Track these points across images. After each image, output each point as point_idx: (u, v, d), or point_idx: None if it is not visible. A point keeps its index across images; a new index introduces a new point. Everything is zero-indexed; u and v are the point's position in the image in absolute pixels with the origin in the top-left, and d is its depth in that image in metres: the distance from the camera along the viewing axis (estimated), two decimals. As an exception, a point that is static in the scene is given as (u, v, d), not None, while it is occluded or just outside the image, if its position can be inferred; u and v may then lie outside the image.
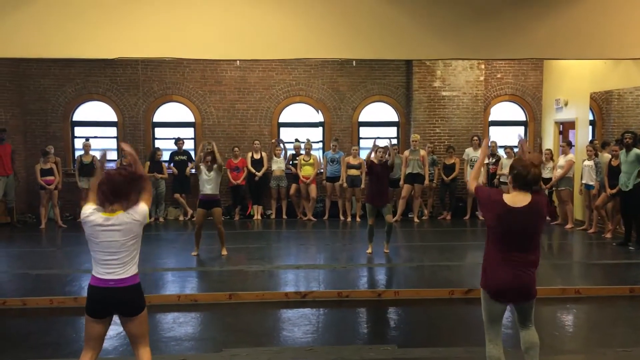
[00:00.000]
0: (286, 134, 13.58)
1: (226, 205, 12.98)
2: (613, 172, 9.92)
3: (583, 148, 11.28)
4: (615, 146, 10.00)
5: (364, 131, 13.73)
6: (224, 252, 8.96)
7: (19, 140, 12.77)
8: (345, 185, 12.49)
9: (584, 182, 10.98)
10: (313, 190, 12.59)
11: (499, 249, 3.97)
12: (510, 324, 5.54)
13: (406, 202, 12.46)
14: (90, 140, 12.58)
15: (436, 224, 12.33)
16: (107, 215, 3.70)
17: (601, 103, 12.27)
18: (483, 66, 13.25)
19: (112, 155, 13.28)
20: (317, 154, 13.31)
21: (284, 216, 12.84)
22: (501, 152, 12.59)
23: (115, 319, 3.89)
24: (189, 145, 13.23)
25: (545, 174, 11.51)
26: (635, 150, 9.31)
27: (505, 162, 12.04)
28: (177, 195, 12.57)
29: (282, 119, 13.63)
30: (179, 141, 12.78)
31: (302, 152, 12.81)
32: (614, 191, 9.90)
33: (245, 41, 7.75)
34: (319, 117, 13.66)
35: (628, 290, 7.04)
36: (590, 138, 11.90)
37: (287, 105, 13.59)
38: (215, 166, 8.66)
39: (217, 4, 7.67)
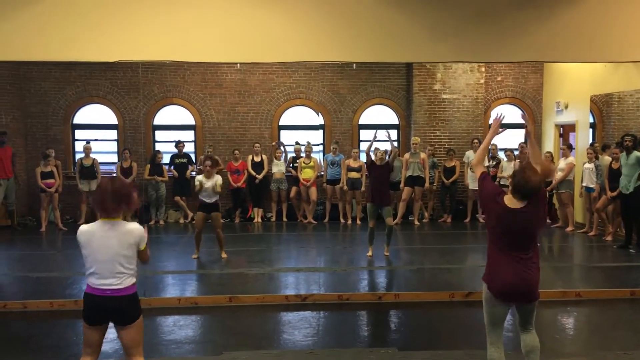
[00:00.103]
0: (286, 137, 13.59)
1: (226, 208, 12.99)
2: (613, 175, 9.92)
3: (583, 151, 11.28)
4: (616, 149, 10.00)
5: (364, 134, 13.73)
6: (224, 256, 8.96)
7: (20, 143, 12.78)
8: (345, 187, 12.49)
9: (584, 184, 10.98)
10: (313, 192, 12.59)
11: (500, 248, 3.99)
12: (511, 327, 5.53)
13: (406, 205, 12.46)
14: (91, 143, 12.59)
15: (437, 227, 12.33)
16: (104, 220, 3.74)
17: (601, 106, 12.27)
18: (483, 69, 13.26)
19: (113, 158, 13.30)
20: (318, 156, 13.31)
21: (284, 219, 12.84)
22: (501, 154, 12.58)
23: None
24: (189, 148, 13.24)
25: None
26: (636, 153, 9.31)
27: (506, 165, 12.05)
28: (177, 198, 12.57)
29: (282, 122, 13.64)
30: (179, 144, 12.79)
31: (303, 154, 12.81)
32: (614, 194, 9.89)
33: (245, 44, 7.77)
34: (319, 120, 13.67)
35: (629, 293, 7.03)
36: (590, 141, 11.90)
37: (288, 108, 13.60)
38: (214, 178, 8.67)
39: (217, 7, 7.68)
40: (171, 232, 11.84)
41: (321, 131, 13.75)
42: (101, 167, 12.45)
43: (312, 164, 12.70)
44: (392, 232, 9.05)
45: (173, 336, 5.70)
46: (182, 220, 12.75)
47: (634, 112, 11.52)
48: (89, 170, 12.13)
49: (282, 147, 12.92)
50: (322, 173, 12.89)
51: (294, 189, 12.78)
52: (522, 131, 13.90)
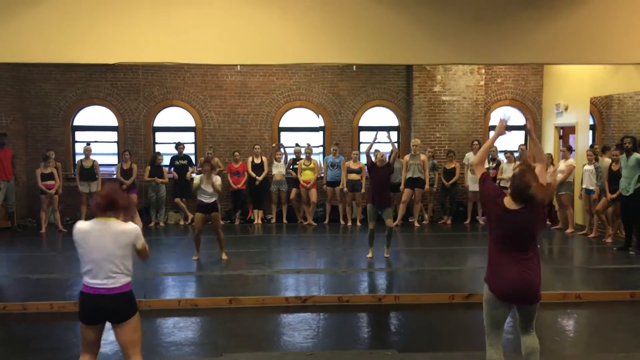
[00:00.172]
0: (286, 139, 13.59)
1: (227, 210, 12.99)
2: (613, 177, 9.92)
3: (583, 153, 11.28)
4: (616, 151, 10.00)
5: (364, 136, 13.74)
6: (224, 257, 8.96)
7: (20, 144, 12.79)
8: (345, 189, 12.49)
9: (584, 186, 10.98)
10: (313, 194, 12.59)
11: (501, 249, 4.00)
12: (511, 329, 5.53)
13: (407, 207, 12.46)
14: (91, 144, 12.58)
15: (436, 229, 12.33)
16: (100, 219, 3.75)
17: (601, 108, 12.28)
18: (483, 71, 13.27)
19: (113, 160, 13.30)
20: (318, 158, 13.31)
21: (285, 220, 12.84)
22: (501, 156, 12.59)
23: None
24: (189, 149, 13.24)
25: (546, 178, 11.51)
26: (636, 155, 9.31)
27: (506, 167, 12.05)
28: (177, 200, 12.57)
29: (282, 124, 13.64)
30: (179, 146, 12.79)
31: (303, 156, 12.81)
32: (614, 196, 9.89)
33: (246, 46, 7.76)
34: (319, 122, 13.67)
35: (629, 295, 7.03)
36: (590, 143, 11.90)
37: (288, 110, 13.60)
38: (213, 178, 8.68)
39: (217, 9, 7.68)
40: (171, 233, 11.84)
41: (321, 133, 13.75)
42: (101, 168, 12.45)
43: (312, 165, 12.70)
44: (392, 234, 9.05)
45: (173, 338, 5.70)
46: (182, 222, 12.75)
47: (633, 114, 11.53)
48: (89, 171, 12.13)
49: (282, 149, 12.92)
50: (322, 175, 12.90)
51: (294, 190, 12.78)
52: (522, 133, 14.00)
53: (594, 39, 7.96)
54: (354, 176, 12.42)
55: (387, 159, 8.98)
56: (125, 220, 3.83)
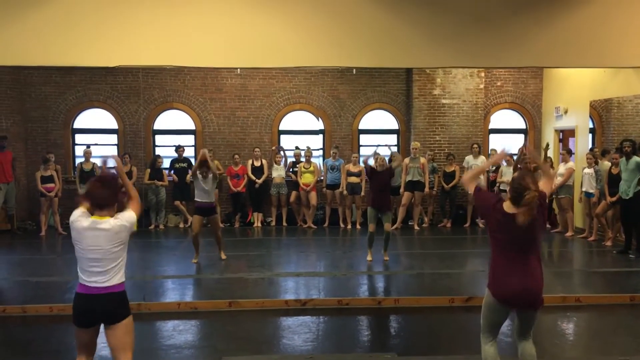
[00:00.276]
0: (286, 142, 13.59)
1: (226, 213, 13.00)
2: (613, 180, 9.92)
3: (583, 156, 11.29)
4: (615, 154, 10.01)
5: (364, 139, 13.75)
6: (223, 257, 8.98)
7: (20, 147, 12.79)
8: (345, 192, 12.49)
9: (584, 189, 10.98)
10: (313, 197, 12.59)
11: (503, 254, 4.01)
12: (509, 331, 5.53)
13: (406, 210, 12.47)
14: (91, 147, 12.59)
15: (436, 232, 12.33)
16: (95, 218, 3.73)
17: (601, 111, 12.29)
18: (483, 74, 13.28)
19: (113, 163, 13.26)
20: (317, 161, 13.32)
21: (284, 223, 12.84)
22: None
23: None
24: (189, 152, 13.24)
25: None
26: (636, 158, 9.32)
27: (505, 170, 12.05)
28: (177, 203, 12.57)
29: (282, 127, 13.65)
30: (179, 148, 12.80)
31: (302, 159, 12.82)
32: (614, 199, 9.90)
33: (246, 49, 7.78)
34: (319, 125, 13.68)
35: (628, 298, 7.03)
36: (590, 146, 11.91)
37: (288, 113, 13.61)
38: (210, 175, 8.68)
39: (218, 12, 7.70)
40: (171, 236, 11.85)
41: (321, 136, 13.76)
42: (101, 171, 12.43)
43: (312, 168, 12.71)
44: (390, 237, 9.05)
45: (173, 341, 5.69)
46: (182, 225, 12.75)
47: (633, 118, 11.55)
48: (89, 174, 12.09)
49: (282, 152, 12.93)
50: (322, 178, 12.90)
51: (293, 193, 12.78)
52: (522, 136, 14.02)
53: (593, 43, 7.98)
54: (353, 179, 12.42)
55: (387, 164, 8.99)
56: (122, 207, 3.82)
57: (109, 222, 3.72)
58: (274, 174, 12.70)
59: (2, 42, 7.49)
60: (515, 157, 12.24)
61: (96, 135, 13.43)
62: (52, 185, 11.79)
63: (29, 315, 6.48)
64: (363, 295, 7.38)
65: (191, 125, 13.47)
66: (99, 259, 3.69)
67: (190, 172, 12.43)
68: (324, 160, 13.36)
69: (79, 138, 13.42)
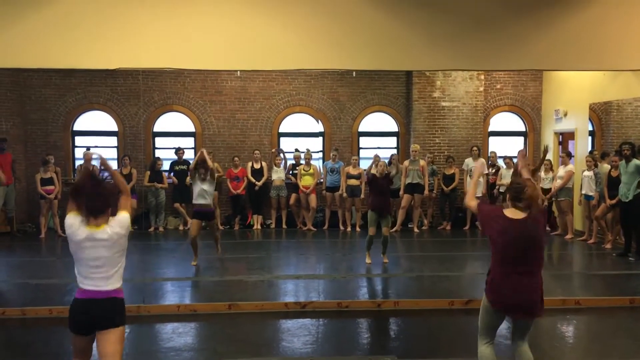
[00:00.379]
0: (286, 144, 13.61)
1: (226, 215, 13.00)
2: (612, 183, 9.93)
3: (582, 159, 11.29)
4: (615, 157, 10.02)
5: (363, 141, 13.76)
6: (219, 251, 9.08)
7: (20, 149, 12.79)
8: (345, 195, 12.49)
9: (583, 192, 10.99)
10: (313, 200, 12.59)
11: (502, 262, 4.01)
12: (508, 334, 5.52)
13: (406, 212, 12.47)
14: (91, 149, 12.59)
15: (436, 234, 12.33)
16: (92, 229, 3.62)
17: (600, 114, 12.31)
18: (482, 77, 13.30)
19: (113, 165, 13.26)
20: (317, 163, 13.32)
21: (284, 226, 12.84)
22: (500, 162, 12.60)
23: None
24: (189, 154, 13.24)
25: (545, 184, 11.54)
26: (635, 161, 9.33)
27: (505, 173, 12.06)
28: (177, 205, 12.56)
29: (282, 129, 13.66)
30: (179, 151, 12.80)
31: (302, 162, 12.82)
32: (613, 202, 9.91)
33: (246, 52, 7.79)
34: (318, 127, 13.69)
35: (628, 301, 7.03)
36: (589, 149, 11.92)
37: (287, 115, 13.62)
38: (209, 177, 8.67)
39: (218, 15, 7.71)
40: (170, 238, 11.84)
41: (321, 138, 13.76)
42: (101, 174, 12.42)
43: (311, 171, 12.71)
44: (388, 241, 9.04)
45: (172, 343, 5.69)
46: (181, 227, 12.74)
47: (632, 120, 11.56)
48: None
49: (281, 154, 12.93)
50: (322, 180, 12.90)
51: (293, 196, 12.78)
52: (521, 138, 14.03)
53: (592, 46, 8.00)
54: (353, 182, 12.42)
55: (387, 169, 8.99)
56: (116, 211, 3.77)
57: (105, 232, 3.63)
58: (274, 177, 12.70)
59: (2, 44, 7.50)
60: (515, 160, 12.29)
61: (96, 138, 13.43)
62: (51, 187, 11.79)
63: (29, 317, 6.47)
64: (363, 298, 7.38)
65: (191, 128, 13.48)
66: (99, 266, 3.64)
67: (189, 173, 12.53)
68: (323, 162, 13.37)
69: (79, 140, 13.42)
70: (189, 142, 13.52)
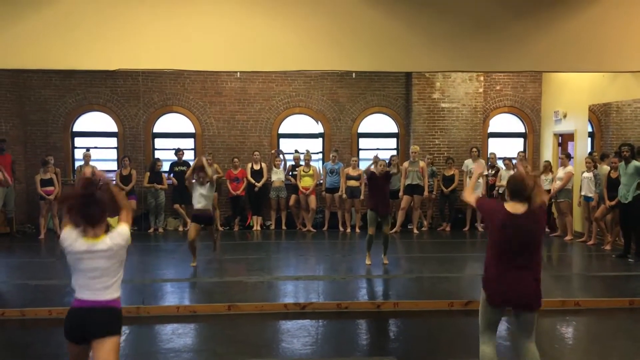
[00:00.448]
0: (286, 145, 13.61)
1: (226, 216, 13.00)
2: (612, 184, 9.94)
3: (582, 160, 11.30)
4: (614, 158, 10.03)
5: (363, 142, 13.76)
6: (217, 249, 9.15)
7: (19, 150, 12.79)
8: (344, 196, 12.49)
9: (583, 194, 10.99)
10: (312, 201, 12.59)
11: (501, 257, 4.03)
12: (509, 335, 5.52)
13: (405, 213, 12.47)
14: (91, 150, 12.60)
15: (435, 235, 12.33)
16: (90, 241, 3.57)
17: (600, 115, 12.32)
18: (482, 78, 13.31)
19: (112, 166, 13.30)
20: (317, 165, 13.32)
21: (284, 227, 12.84)
22: (500, 163, 12.61)
23: None
24: (189, 156, 13.24)
25: (545, 185, 11.54)
26: (635, 163, 9.33)
27: (504, 174, 12.06)
28: (176, 206, 12.56)
29: (281, 130, 13.66)
30: (179, 152, 12.80)
31: (302, 163, 12.83)
32: (613, 203, 9.91)
33: (246, 53, 7.80)
34: (318, 128, 13.69)
35: (628, 302, 7.03)
36: (589, 150, 11.93)
37: (287, 116, 13.63)
38: (208, 182, 8.67)
39: (218, 16, 7.72)
40: (170, 240, 11.83)
41: (320, 139, 13.77)
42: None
43: (311, 172, 12.71)
44: (388, 241, 9.05)
45: (172, 345, 5.69)
46: (181, 228, 12.73)
47: (632, 122, 11.57)
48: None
49: (281, 155, 12.94)
50: (322, 181, 12.90)
51: (293, 197, 12.78)
52: (521, 140, 14.04)
53: (592, 47, 8.01)
54: (353, 183, 12.42)
55: (386, 167, 8.99)
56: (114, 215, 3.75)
57: (105, 242, 3.58)
58: (274, 178, 12.70)
59: (2, 45, 7.50)
60: (514, 161, 12.30)
61: (96, 139, 13.44)
62: (51, 188, 11.78)
63: (28, 318, 6.47)
64: (362, 299, 7.38)
65: (191, 129, 13.48)
66: (98, 277, 3.60)
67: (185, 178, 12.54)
68: (323, 163, 13.37)
69: (79, 141, 13.43)
70: (189, 143, 13.52)
